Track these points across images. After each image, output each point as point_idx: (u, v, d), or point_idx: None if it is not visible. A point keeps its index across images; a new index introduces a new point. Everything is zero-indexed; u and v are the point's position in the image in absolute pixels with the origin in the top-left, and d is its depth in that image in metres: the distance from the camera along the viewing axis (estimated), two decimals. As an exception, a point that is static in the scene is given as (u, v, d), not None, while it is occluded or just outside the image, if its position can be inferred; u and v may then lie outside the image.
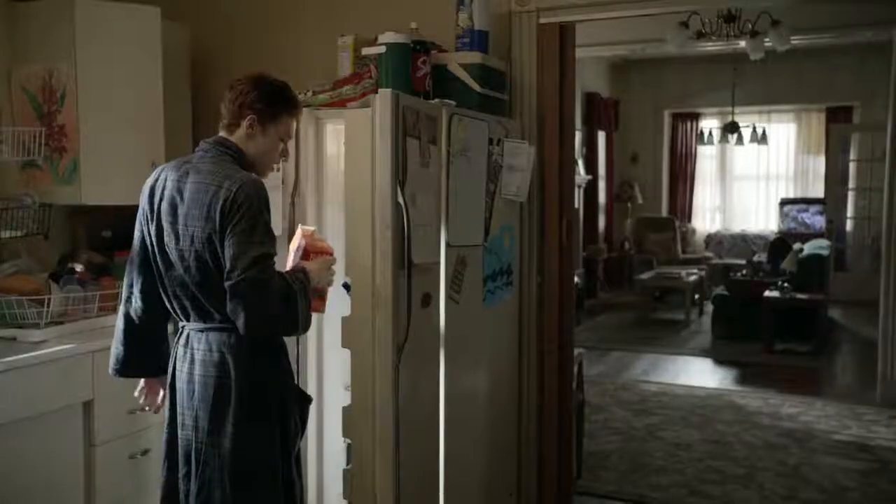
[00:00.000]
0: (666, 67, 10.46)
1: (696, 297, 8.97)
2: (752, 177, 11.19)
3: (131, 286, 2.42)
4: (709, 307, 8.38)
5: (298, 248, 2.45)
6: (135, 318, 2.42)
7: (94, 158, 3.40)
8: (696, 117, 11.13)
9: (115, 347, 2.45)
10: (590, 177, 9.67)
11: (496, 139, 3.18)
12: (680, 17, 4.98)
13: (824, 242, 8.25)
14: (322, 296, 2.41)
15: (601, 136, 10.35)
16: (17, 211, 3.35)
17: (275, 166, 2.50)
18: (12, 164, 3.42)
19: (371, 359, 2.52)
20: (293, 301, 2.14)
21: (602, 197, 10.47)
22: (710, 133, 10.58)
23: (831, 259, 8.28)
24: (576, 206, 6.23)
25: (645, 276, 8.94)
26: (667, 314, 8.96)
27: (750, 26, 4.96)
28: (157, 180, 2.31)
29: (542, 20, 3.43)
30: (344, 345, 2.57)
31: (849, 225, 10.20)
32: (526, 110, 3.44)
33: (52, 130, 3.43)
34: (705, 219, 11.50)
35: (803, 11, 5.33)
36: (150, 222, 2.29)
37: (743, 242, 10.69)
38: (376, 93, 2.57)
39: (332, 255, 2.44)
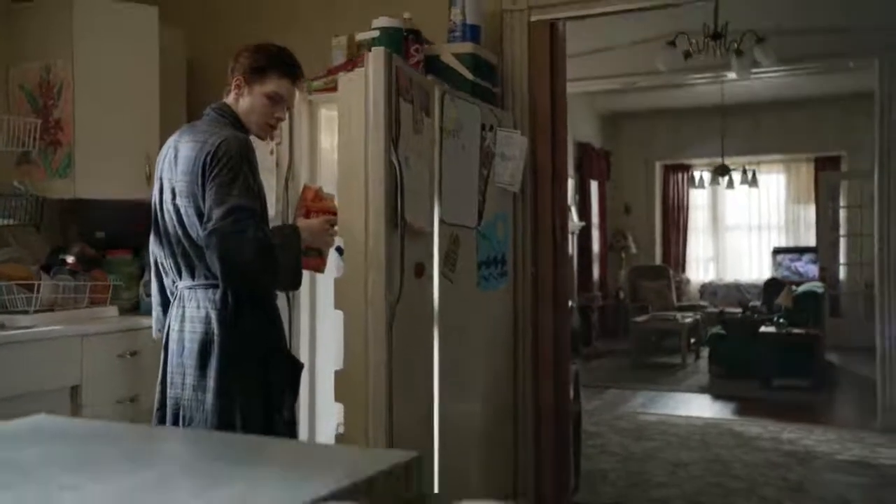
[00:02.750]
0: (656, 119, 10.65)
1: (693, 340, 8.91)
2: (744, 227, 11.26)
3: (152, 252, 2.42)
4: (705, 352, 8.32)
5: (298, 205, 2.49)
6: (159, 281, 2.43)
7: (89, 152, 3.43)
8: (686, 169, 11.27)
9: (154, 310, 2.46)
10: (583, 223, 9.73)
11: (488, 125, 3.21)
12: (668, 38, 5.11)
13: (818, 283, 8.25)
14: (321, 255, 2.43)
15: (594, 186, 10.45)
16: (9, 200, 3.34)
17: (272, 137, 2.55)
18: (6, 157, 3.43)
19: (363, 320, 2.48)
20: (270, 254, 2.12)
21: (596, 246, 10.50)
22: (701, 177, 10.69)
23: (826, 301, 8.27)
24: (570, 252, 6.26)
25: (640, 318, 8.89)
26: (663, 358, 8.88)
27: (736, 45, 5.08)
28: (165, 146, 2.37)
29: (534, 18, 3.50)
30: (337, 306, 2.53)
31: (842, 272, 10.22)
32: (518, 103, 3.48)
33: (48, 124, 3.46)
34: (699, 269, 11.52)
35: (788, 41, 5.46)
36: (156, 185, 2.35)
37: (737, 292, 10.68)
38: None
39: (334, 214, 2.46)
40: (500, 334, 3.39)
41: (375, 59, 2.48)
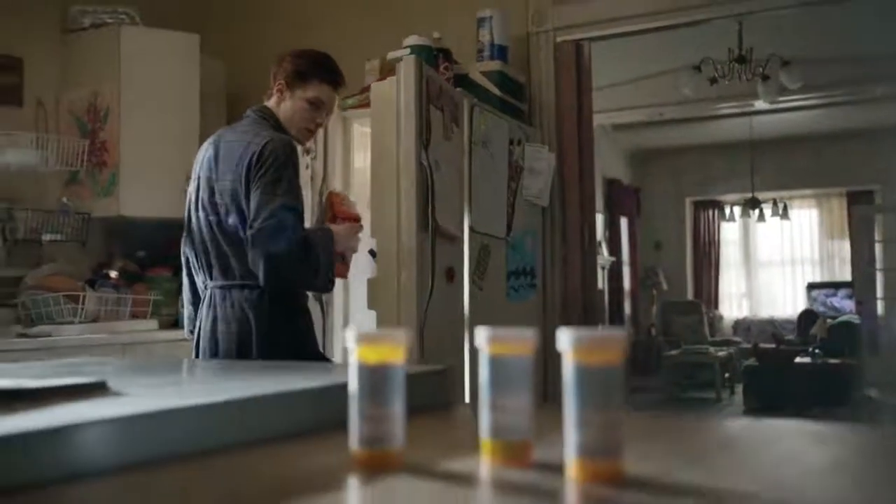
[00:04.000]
0: (684, 155, 10.69)
1: (727, 375, 8.81)
2: (776, 262, 11.17)
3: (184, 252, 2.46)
4: (739, 388, 8.22)
5: (325, 211, 2.54)
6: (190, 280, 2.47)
7: (133, 172, 3.58)
8: (717, 205, 11.26)
9: (185, 308, 2.50)
10: (613, 258, 9.74)
11: (516, 140, 3.30)
12: (693, 63, 5.21)
13: (855, 315, 8.16)
14: (345, 261, 2.42)
15: (623, 222, 10.47)
16: (57, 217, 3.49)
17: (307, 141, 2.54)
18: (56, 176, 3.60)
19: (395, 321, 2.54)
20: (312, 252, 2.15)
21: (627, 283, 10.48)
22: (732, 211, 10.67)
23: (863, 333, 8.16)
24: (599, 286, 6.30)
25: (673, 352, 8.82)
26: (697, 393, 8.79)
27: (761, 70, 5.15)
28: (204, 146, 2.40)
29: (559, 38, 3.61)
30: (370, 306, 2.60)
31: (879, 307, 10.06)
32: (545, 121, 3.57)
33: (95, 146, 3.62)
34: (732, 305, 11.42)
35: (812, 68, 5.52)
36: (192, 184, 2.38)
37: (771, 327, 10.55)
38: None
39: (359, 221, 2.47)
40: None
41: (406, 65, 2.60)
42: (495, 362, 0.69)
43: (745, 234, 11.17)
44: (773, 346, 8.40)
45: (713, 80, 5.17)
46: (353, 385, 0.70)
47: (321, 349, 2.56)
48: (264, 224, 2.09)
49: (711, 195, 11.15)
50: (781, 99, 5.85)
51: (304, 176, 3.26)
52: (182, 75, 3.72)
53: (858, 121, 8.71)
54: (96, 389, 0.74)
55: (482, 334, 0.70)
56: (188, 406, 0.69)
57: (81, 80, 3.69)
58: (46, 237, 3.42)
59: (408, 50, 3.21)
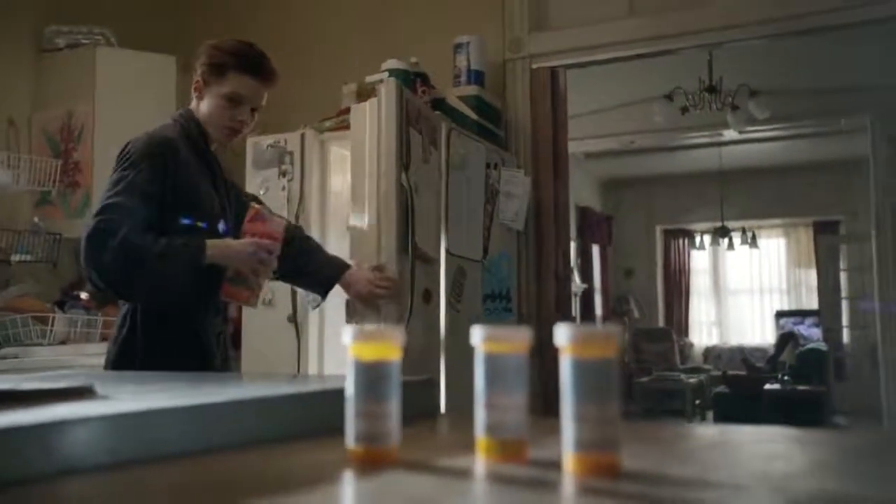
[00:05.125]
0: (655, 185, 10.83)
1: (697, 402, 8.86)
2: (745, 291, 11.32)
3: None
4: (710, 414, 8.27)
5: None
6: None
7: (106, 193, 3.54)
8: (687, 233, 11.40)
9: None
10: (585, 285, 9.79)
11: (493, 164, 3.33)
12: (665, 92, 5.31)
13: (822, 343, 8.27)
14: (248, 285, 2.03)
15: (595, 250, 10.55)
16: (28, 237, 3.44)
17: (231, 140, 2.18)
18: (27, 197, 3.56)
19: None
20: (142, 261, 1.83)
21: (599, 310, 10.54)
22: (702, 239, 10.81)
23: (830, 361, 8.27)
24: (573, 314, 6.34)
25: (645, 379, 8.87)
26: (668, 420, 8.82)
27: (731, 99, 5.26)
28: None
29: (535, 65, 3.67)
30: (348, 322, 2.59)
31: (845, 334, 10.22)
32: (521, 145, 3.61)
33: (68, 167, 3.59)
34: (702, 333, 11.52)
35: (780, 100, 5.64)
36: None
37: (741, 355, 10.66)
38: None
39: (274, 239, 2.06)
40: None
41: (388, 87, 2.61)
42: (490, 360, 0.70)
43: (715, 262, 11.32)
44: (743, 373, 8.48)
45: (684, 110, 5.27)
46: (350, 382, 0.70)
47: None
48: (88, 227, 1.86)
49: (682, 224, 11.29)
50: (750, 129, 5.97)
51: (280, 199, 3.26)
52: (158, 97, 3.70)
53: (824, 152, 8.90)
54: (84, 393, 0.73)
55: (478, 333, 0.71)
56: (180, 406, 0.69)
57: (55, 100, 3.67)
58: (16, 258, 3.37)
59: (386, 73, 3.23)
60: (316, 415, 0.81)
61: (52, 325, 3.21)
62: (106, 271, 1.83)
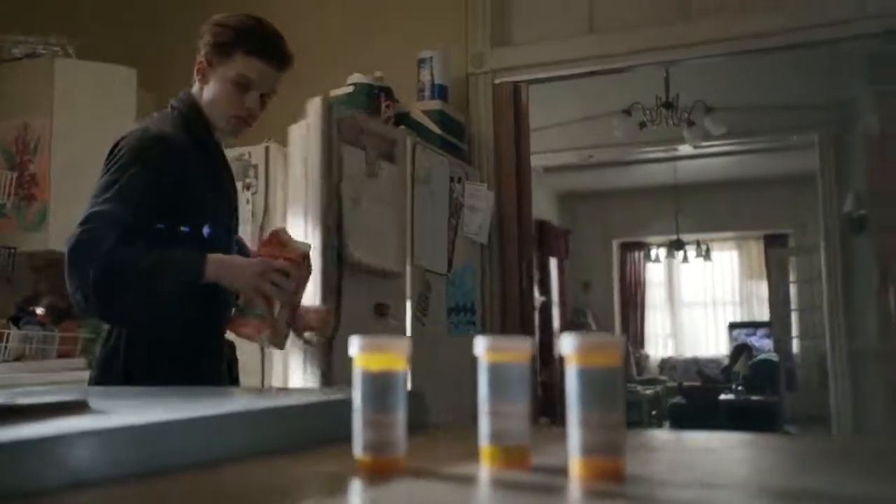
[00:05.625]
0: (612, 199, 10.98)
1: (654, 413, 8.98)
2: (699, 303, 11.52)
3: None
4: (666, 424, 8.39)
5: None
6: None
7: (64, 206, 3.47)
8: (643, 246, 11.57)
9: None
10: (544, 298, 9.87)
11: (457, 177, 3.35)
12: (624, 107, 5.41)
13: (774, 353, 8.45)
14: (257, 315, 1.69)
15: (553, 263, 10.64)
16: (-19, 251, 3.36)
17: (240, 131, 1.94)
18: (-20, 210, 3.47)
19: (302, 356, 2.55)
20: (128, 276, 1.60)
21: (556, 323, 10.62)
22: (658, 253, 10.99)
23: (782, 371, 8.46)
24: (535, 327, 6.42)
25: (602, 391, 8.96)
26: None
27: (687, 115, 5.38)
28: None
29: (497, 80, 3.71)
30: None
31: (795, 345, 10.46)
32: (484, 159, 3.64)
33: (24, 179, 3.52)
34: (658, 345, 11.69)
35: (734, 116, 5.78)
36: None
37: (695, 366, 10.83)
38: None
39: (293, 263, 1.74)
40: (468, 381, 3.44)
41: (313, 107, 2.66)
42: (493, 369, 0.71)
43: (670, 275, 11.50)
44: (698, 383, 8.62)
45: (642, 125, 5.38)
46: (357, 392, 0.71)
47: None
48: (70, 239, 1.63)
49: (638, 237, 11.46)
50: (704, 144, 6.10)
51: (245, 212, 3.24)
52: (117, 109, 3.65)
53: (775, 167, 9.13)
54: (79, 407, 0.72)
55: (481, 343, 0.72)
56: (185, 419, 0.68)
57: (11, 111, 3.59)
58: (-31, 272, 3.28)
59: (351, 87, 3.24)
60: (317, 425, 0.82)
61: (7, 342, 3.13)
62: (88, 288, 1.58)
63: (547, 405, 9.39)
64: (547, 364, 9.99)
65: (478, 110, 3.69)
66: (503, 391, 0.70)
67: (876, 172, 3.94)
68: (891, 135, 3.25)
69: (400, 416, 0.70)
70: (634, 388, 9.02)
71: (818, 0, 3.36)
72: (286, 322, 1.72)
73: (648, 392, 8.83)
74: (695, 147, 6.07)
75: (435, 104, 3.42)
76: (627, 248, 11.70)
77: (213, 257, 1.68)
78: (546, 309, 10.03)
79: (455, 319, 3.30)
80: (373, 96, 3.23)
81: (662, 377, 10.83)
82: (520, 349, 0.72)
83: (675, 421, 7.86)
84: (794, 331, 10.40)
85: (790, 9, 3.39)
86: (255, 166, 3.28)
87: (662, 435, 0.79)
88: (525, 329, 3.59)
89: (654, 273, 11.58)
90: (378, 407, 0.69)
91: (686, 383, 9.19)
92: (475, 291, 3.49)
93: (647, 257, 11.19)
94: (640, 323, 11.60)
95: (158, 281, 1.63)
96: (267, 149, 3.27)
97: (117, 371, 1.71)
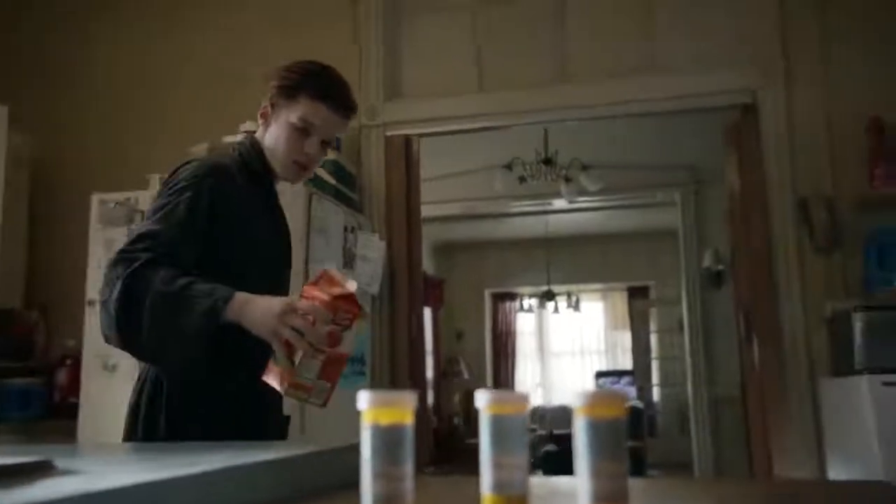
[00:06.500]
0: (485, 250, 11.24)
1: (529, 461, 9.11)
2: (567, 352, 11.89)
3: None
4: (539, 472, 8.55)
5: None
6: None
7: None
8: (514, 297, 11.86)
9: None
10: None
11: (350, 227, 3.37)
12: (505, 161, 5.61)
13: (637, 401, 8.81)
14: (279, 363, 1.46)
15: (427, 312, 10.73)
16: None
17: (300, 178, 1.86)
18: None
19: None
20: (142, 298, 1.45)
21: (430, 372, 10.68)
22: (530, 304, 11.28)
23: (645, 418, 8.82)
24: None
25: (475, 440, 9.03)
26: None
27: (565, 172, 5.63)
28: None
29: (389, 133, 3.77)
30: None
31: (656, 393, 10.96)
32: (376, 210, 3.68)
33: None
34: (528, 393, 11.93)
35: (605, 174, 6.10)
36: None
37: (564, 414, 11.12)
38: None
39: (325, 303, 1.48)
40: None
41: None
42: (495, 421, 0.74)
43: (540, 325, 11.84)
44: (569, 431, 8.85)
45: (522, 179, 5.58)
46: (367, 445, 0.72)
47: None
48: (109, 260, 1.53)
49: (510, 287, 11.75)
50: (578, 199, 6.39)
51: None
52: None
53: (639, 222, 9.64)
54: (42, 469, 0.68)
55: (482, 397, 0.75)
56: (156, 480, 0.66)
57: None
58: None
59: (243, 134, 3.20)
60: (300, 480, 0.81)
61: None
62: (109, 311, 1.46)
63: (419, 454, 9.39)
64: (420, 414, 10.01)
65: (370, 161, 3.74)
66: (504, 443, 0.73)
67: (733, 230, 4.24)
68: (746, 196, 3.53)
69: (409, 469, 0.72)
70: (508, 436, 9.13)
71: (680, 74, 3.64)
72: (318, 374, 1.47)
73: (521, 440, 8.95)
74: (569, 202, 6.34)
75: (330, 155, 3.43)
76: (500, 298, 11.96)
77: (241, 295, 1.49)
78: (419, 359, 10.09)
79: (346, 370, 3.27)
80: (267, 144, 3.21)
81: (533, 425, 11.05)
82: (519, 402, 0.76)
83: (547, 468, 8.03)
84: (655, 379, 10.92)
85: (656, 79, 3.66)
86: (142, 212, 3.17)
87: (535, 480, 0.83)
88: (415, 380, 3.61)
89: (526, 323, 11.88)
90: (389, 460, 0.71)
91: (556, 431, 9.41)
92: (366, 342, 3.49)
93: (519, 307, 11.48)
94: (511, 372, 11.83)
95: (171, 310, 1.45)
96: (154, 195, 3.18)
97: (145, 422, 1.58)
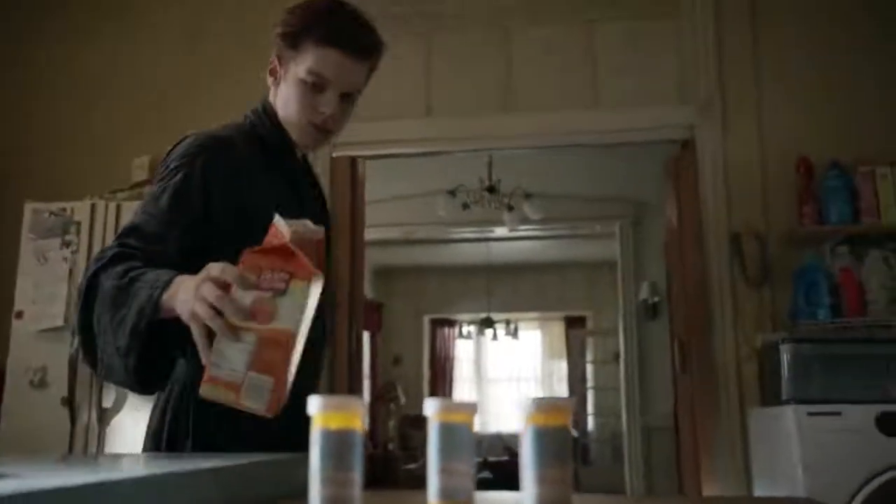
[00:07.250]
0: (425, 275, 11.27)
1: (461, 488, 9.11)
2: (504, 379, 11.95)
3: None
4: (472, 499, 8.56)
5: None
6: None
7: None
8: (453, 323, 11.90)
9: None
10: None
11: (293, 247, 3.35)
12: (449, 187, 5.67)
13: (573, 430, 8.90)
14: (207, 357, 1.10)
15: (365, 336, 10.68)
16: None
17: (319, 143, 1.59)
18: None
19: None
20: (90, 298, 1.24)
21: (367, 396, 10.61)
22: (469, 331, 11.33)
23: (578, 449, 8.92)
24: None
25: (411, 465, 9.00)
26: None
27: (507, 200, 5.71)
28: None
29: (335, 154, 3.78)
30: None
31: (590, 422, 11.07)
32: (319, 230, 3.67)
33: None
34: (464, 420, 11.94)
35: (547, 203, 6.21)
36: None
37: (499, 440, 11.16)
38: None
39: (245, 261, 1.12)
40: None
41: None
42: (443, 429, 0.75)
43: (478, 352, 11.89)
44: (505, 458, 8.88)
45: (465, 206, 5.64)
46: (316, 450, 0.72)
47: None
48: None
49: (449, 314, 11.78)
50: (519, 228, 6.48)
51: (62, 270, 3.05)
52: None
53: (577, 253, 9.80)
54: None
55: (432, 404, 0.76)
56: (96, 482, 0.65)
57: None
58: None
59: (189, 149, 3.18)
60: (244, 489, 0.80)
61: None
62: (78, 320, 1.26)
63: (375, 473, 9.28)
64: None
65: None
66: (452, 450, 0.74)
67: (670, 263, 4.36)
68: (683, 229, 3.64)
69: (357, 475, 0.72)
70: (443, 462, 9.13)
71: (622, 108, 3.75)
72: (247, 364, 1.05)
73: (456, 467, 8.96)
74: (511, 230, 6.42)
75: (273, 173, 3.42)
76: (438, 323, 11.98)
77: (180, 277, 1.18)
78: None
79: (283, 390, 3.24)
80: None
81: (468, 452, 11.03)
82: (467, 410, 0.77)
83: (481, 495, 8.02)
84: (590, 408, 11.05)
85: (599, 113, 3.77)
86: (78, 223, 3.11)
87: (480, 494, 0.85)
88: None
89: (463, 349, 11.92)
90: (337, 465, 0.71)
91: (492, 458, 9.43)
92: (304, 362, 3.46)
93: (458, 334, 11.52)
94: (448, 397, 11.82)
95: (115, 303, 1.20)
96: (93, 206, 3.12)
97: (168, 447, 1.37)
